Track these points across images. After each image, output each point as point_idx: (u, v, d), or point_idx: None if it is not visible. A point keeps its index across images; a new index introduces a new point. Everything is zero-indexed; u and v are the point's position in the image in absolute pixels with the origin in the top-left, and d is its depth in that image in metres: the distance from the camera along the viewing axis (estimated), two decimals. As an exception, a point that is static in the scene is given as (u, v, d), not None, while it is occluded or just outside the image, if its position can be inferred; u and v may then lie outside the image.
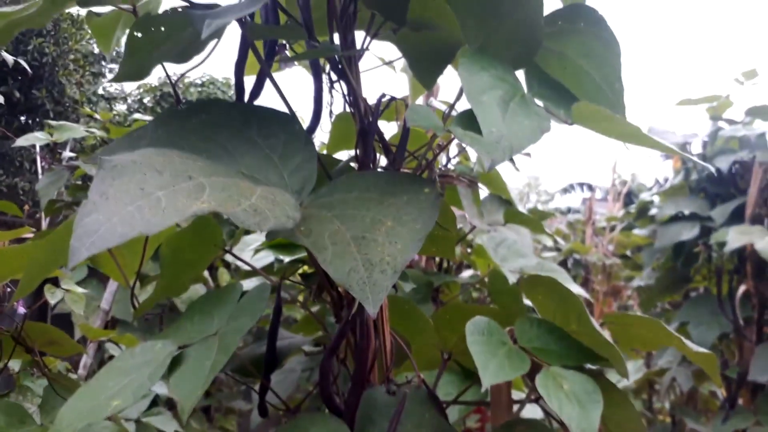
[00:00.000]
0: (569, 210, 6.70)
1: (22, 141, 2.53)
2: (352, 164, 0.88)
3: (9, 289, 1.29)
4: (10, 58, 2.76)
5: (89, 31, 7.62)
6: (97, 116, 2.79)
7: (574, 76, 0.80)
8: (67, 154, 2.72)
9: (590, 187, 9.82)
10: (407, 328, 0.91)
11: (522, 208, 1.80)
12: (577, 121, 0.70)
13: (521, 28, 0.74)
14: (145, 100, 6.92)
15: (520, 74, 0.77)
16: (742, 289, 2.16)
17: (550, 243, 3.46)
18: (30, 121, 6.45)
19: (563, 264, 3.70)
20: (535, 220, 1.57)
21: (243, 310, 0.68)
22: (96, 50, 7.79)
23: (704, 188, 2.36)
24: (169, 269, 0.86)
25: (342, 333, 0.76)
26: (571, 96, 0.78)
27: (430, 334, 0.91)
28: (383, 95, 0.80)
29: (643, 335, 0.92)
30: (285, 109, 0.74)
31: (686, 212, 2.26)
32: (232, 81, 0.81)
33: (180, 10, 0.68)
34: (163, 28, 0.69)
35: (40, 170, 2.76)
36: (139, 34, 0.69)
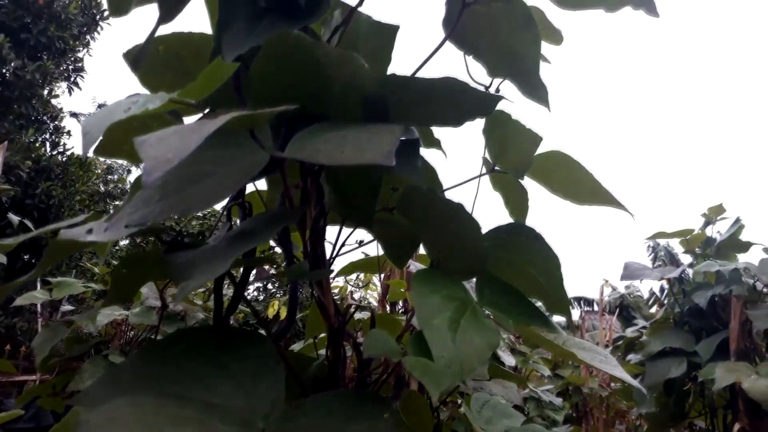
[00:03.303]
0: (566, 328, 6.66)
1: (21, 300, 2.60)
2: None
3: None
4: (15, 219, 2.91)
5: (96, 172, 7.99)
6: (96, 270, 2.89)
7: (523, 279, 0.88)
8: (66, 308, 2.78)
9: (587, 302, 9.80)
10: None
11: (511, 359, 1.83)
12: (520, 332, 0.76)
13: (467, 245, 0.82)
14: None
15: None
16: (737, 427, 2.13)
17: (548, 373, 3.43)
18: (33, 260, 6.58)
19: (563, 394, 3.64)
20: (518, 377, 1.60)
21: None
22: (102, 189, 8.12)
23: (687, 321, 2.39)
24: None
25: None
26: (521, 299, 0.85)
27: None
28: (352, 305, 0.87)
29: None
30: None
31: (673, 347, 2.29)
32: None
33: (166, 253, 0.76)
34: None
35: (39, 326, 2.81)
36: (125, 270, 0.77)
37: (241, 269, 0.86)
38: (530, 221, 1.00)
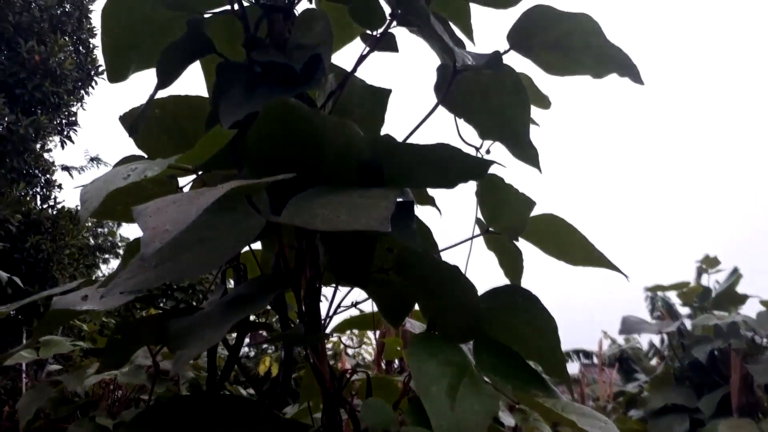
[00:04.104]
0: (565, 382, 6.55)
1: (8, 361, 2.54)
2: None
3: None
4: (4, 276, 2.88)
5: (87, 225, 7.96)
6: (84, 327, 2.84)
7: (520, 341, 0.87)
8: (52, 367, 2.72)
9: (586, 355, 9.71)
10: None
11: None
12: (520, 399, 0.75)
13: (464, 308, 0.82)
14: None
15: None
16: (743, 485, 2.08)
17: (549, 430, 3.34)
18: (20, 316, 6.46)
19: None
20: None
21: None
22: (92, 242, 8.07)
23: (689, 377, 2.37)
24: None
25: None
26: (520, 362, 0.84)
27: None
28: (348, 370, 0.86)
29: None
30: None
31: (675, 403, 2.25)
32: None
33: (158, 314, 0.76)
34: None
35: (24, 386, 2.73)
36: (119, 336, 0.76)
37: (235, 334, 0.85)
38: (527, 279, 1.00)
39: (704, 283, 2.61)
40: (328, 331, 1.07)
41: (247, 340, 0.87)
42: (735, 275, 2.59)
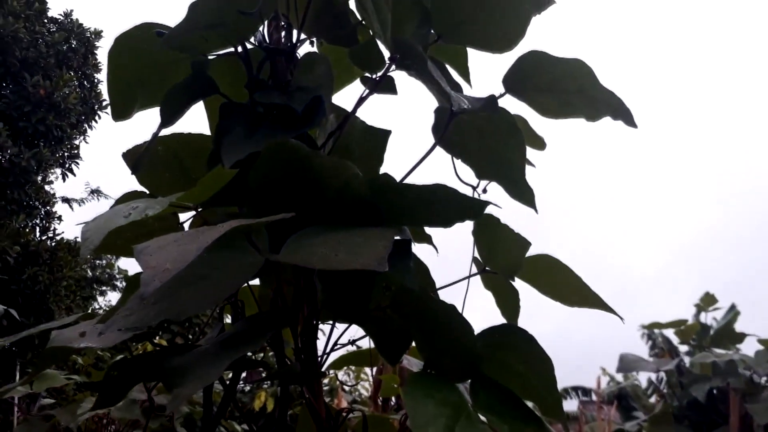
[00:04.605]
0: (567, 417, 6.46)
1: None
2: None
3: None
4: (0, 308, 2.87)
5: (85, 257, 7.94)
6: (79, 360, 2.82)
7: (517, 381, 0.87)
8: (44, 401, 2.69)
9: (585, 392, 9.60)
10: None
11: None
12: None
13: (460, 347, 0.82)
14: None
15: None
16: None
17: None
18: (14, 348, 6.40)
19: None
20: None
21: None
22: (89, 274, 8.04)
23: (687, 416, 2.34)
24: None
25: None
26: (516, 402, 0.84)
27: None
28: (345, 408, 0.86)
29: None
30: None
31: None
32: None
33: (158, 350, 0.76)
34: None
35: (15, 420, 2.70)
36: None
37: (231, 372, 0.85)
38: (524, 314, 1.01)
39: (702, 321, 2.60)
40: (324, 367, 1.08)
41: (243, 375, 0.87)
42: (733, 312, 2.59)
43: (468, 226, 1.04)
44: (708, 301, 2.48)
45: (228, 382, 0.87)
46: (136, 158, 1.04)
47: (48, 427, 2.45)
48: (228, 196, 0.95)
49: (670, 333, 2.72)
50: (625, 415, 5.75)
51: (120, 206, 0.78)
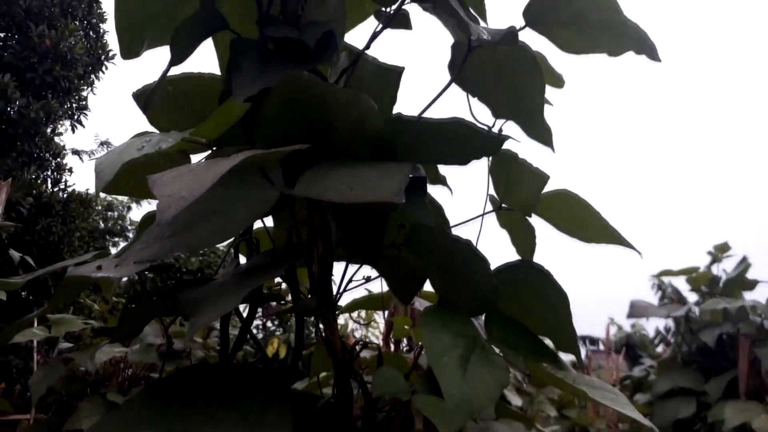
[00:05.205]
0: (575, 367, 6.56)
1: (19, 337, 2.57)
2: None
3: None
4: (16, 255, 2.91)
5: (97, 209, 8.01)
6: (95, 306, 2.87)
7: (532, 316, 0.88)
8: (63, 345, 2.75)
9: (592, 341, 9.71)
10: None
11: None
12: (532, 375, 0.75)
13: (476, 282, 0.82)
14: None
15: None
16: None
17: (554, 413, 3.38)
18: (31, 297, 6.53)
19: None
20: (525, 417, 1.57)
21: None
22: (102, 226, 8.12)
23: (696, 360, 2.37)
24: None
25: None
26: (530, 336, 0.84)
27: None
28: (359, 341, 0.86)
29: None
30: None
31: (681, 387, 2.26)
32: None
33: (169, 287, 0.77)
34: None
35: (35, 364, 2.77)
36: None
37: (248, 306, 0.86)
38: (536, 258, 1.00)
39: (714, 272, 2.60)
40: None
41: (259, 312, 0.88)
42: (744, 263, 2.58)
43: (480, 169, 1.02)
44: (721, 248, 2.48)
45: (244, 317, 0.88)
46: (146, 97, 1.03)
47: (67, 369, 2.52)
48: (240, 133, 0.94)
49: (680, 283, 2.75)
50: (632, 363, 5.84)
51: (133, 140, 0.77)
